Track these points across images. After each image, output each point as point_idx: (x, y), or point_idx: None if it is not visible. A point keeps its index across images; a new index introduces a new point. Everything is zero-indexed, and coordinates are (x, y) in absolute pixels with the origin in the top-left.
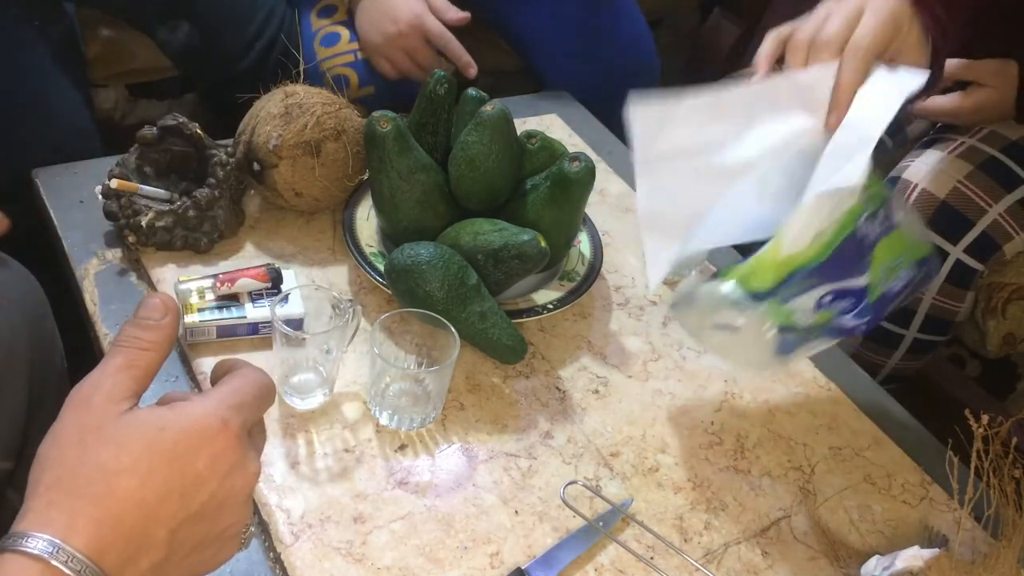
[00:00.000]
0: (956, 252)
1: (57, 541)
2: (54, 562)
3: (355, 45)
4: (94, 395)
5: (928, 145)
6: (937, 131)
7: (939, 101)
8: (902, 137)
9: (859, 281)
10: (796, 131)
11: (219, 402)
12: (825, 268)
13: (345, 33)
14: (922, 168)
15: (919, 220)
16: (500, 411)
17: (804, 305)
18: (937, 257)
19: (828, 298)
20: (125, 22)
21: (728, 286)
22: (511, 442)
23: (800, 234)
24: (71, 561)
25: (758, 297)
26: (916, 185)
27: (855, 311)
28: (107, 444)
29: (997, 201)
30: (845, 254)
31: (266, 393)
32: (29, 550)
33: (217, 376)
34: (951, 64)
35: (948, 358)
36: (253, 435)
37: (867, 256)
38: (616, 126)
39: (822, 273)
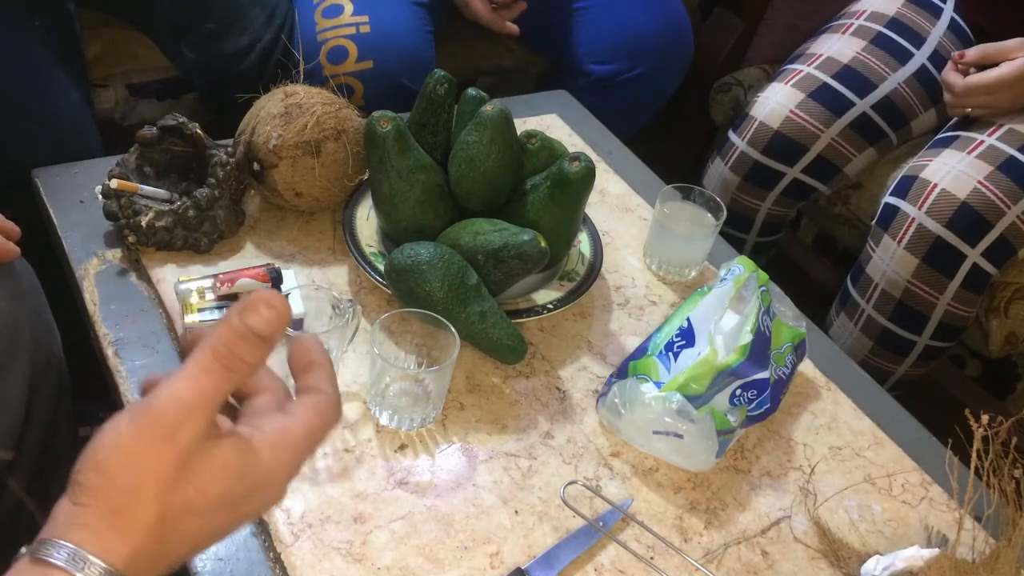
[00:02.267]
0: (974, 256)
1: (117, 573)
2: None
3: (358, 19)
4: (182, 427)
5: (945, 144)
6: (949, 128)
7: (976, 77)
8: (905, 131)
9: (765, 373)
10: None
11: (297, 456)
12: (743, 366)
13: (349, 6)
14: (941, 169)
15: (791, 303)
16: (500, 411)
17: (721, 402)
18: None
19: (739, 391)
20: (125, 22)
21: (672, 395)
22: (511, 442)
23: (730, 341)
24: None
25: (695, 402)
26: (936, 186)
27: (760, 399)
28: (189, 484)
29: (1015, 203)
30: (756, 349)
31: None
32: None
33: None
34: (974, 51)
35: (948, 358)
36: None
37: (769, 348)
38: (643, 108)
39: (739, 370)
